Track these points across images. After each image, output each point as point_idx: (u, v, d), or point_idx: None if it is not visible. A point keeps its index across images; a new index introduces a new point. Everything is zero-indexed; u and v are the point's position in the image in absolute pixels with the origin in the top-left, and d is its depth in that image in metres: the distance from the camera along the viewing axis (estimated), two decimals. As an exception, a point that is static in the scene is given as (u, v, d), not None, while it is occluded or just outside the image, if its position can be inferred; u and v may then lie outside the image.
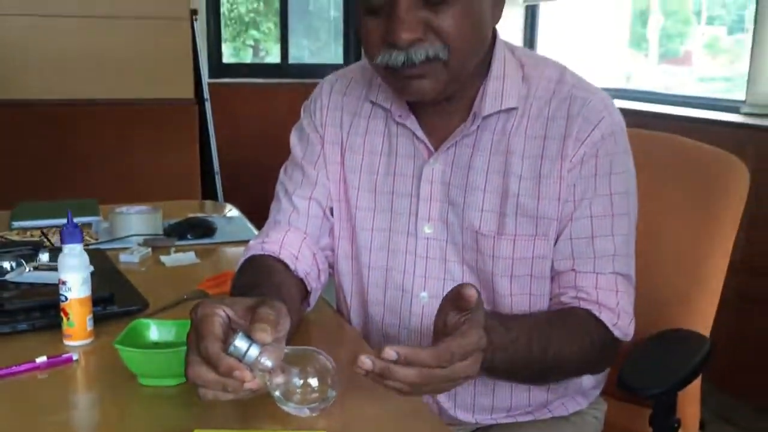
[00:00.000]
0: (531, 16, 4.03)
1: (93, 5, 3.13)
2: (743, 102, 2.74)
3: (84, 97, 3.18)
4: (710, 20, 4.64)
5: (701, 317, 1.28)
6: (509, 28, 3.96)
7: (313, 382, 0.81)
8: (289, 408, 0.82)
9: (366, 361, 0.77)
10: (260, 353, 0.77)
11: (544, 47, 4.05)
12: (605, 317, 1.06)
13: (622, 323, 1.07)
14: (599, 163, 1.06)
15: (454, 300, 0.85)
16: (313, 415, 0.83)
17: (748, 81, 2.71)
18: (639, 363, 1.15)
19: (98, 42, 3.16)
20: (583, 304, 1.07)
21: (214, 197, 3.54)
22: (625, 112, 1.13)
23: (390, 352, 0.77)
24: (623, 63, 4.30)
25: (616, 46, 4.21)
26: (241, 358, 0.77)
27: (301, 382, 0.81)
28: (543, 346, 0.99)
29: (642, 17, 4.48)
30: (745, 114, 2.69)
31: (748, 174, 1.28)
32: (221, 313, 0.82)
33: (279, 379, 0.79)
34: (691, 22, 4.72)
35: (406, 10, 0.96)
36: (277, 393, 0.80)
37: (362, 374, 0.77)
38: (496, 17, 1.06)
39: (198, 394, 0.80)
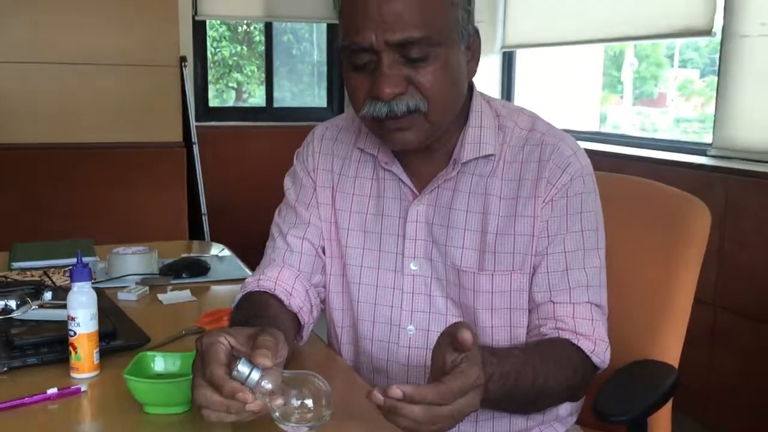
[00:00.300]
0: (508, 62, 4.14)
1: (89, 54, 3.22)
2: (710, 145, 2.79)
3: (76, 141, 3.25)
4: (683, 63, 4.79)
5: (669, 349, 1.33)
6: (487, 74, 4.05)
7: (310, 402, 0.87)
8: (288, 427, 0.87)
9: (379, 396, 0.83)
10: (261, 377, 0.84)
11: (521, 92, 4.14)
12: (583, 345, 1.12)
13: (599, 350, 1.13)
14: (569, 203, 1.15)
15: (451, 336, 0.89)
16: (310, 434, 0.89)
17: (715, 124, 2.75)
18: (611, 391, 1.19)
19: (92, 88, 3.26)
20: (563, 334, 1.13)
21: (201, 237, 3.59)
22: (598, 154, 1.21)
23: (396, 391, 0.82)
24: (598, 105, 4.42)
25: (592, 89, 4.32)
26: (243, 381, 0.84)
27: (299, 403, 0.86)
28: (532, 377, 1.03)
29: (616, 61, 4.62)
30: (712, 156, 2.75)
31: (710, 215, 1.34)
32: (224, 341, 0.89)
33: (278, 401, 0.85)
34: (664, 65, 4.88)
35: (389, 67, 1.05)
36: (276, 414, 0.86)
37: (375, 406, 0.83)
38: (472, 72, 1.15)
39: (202, 415, 0.86)
